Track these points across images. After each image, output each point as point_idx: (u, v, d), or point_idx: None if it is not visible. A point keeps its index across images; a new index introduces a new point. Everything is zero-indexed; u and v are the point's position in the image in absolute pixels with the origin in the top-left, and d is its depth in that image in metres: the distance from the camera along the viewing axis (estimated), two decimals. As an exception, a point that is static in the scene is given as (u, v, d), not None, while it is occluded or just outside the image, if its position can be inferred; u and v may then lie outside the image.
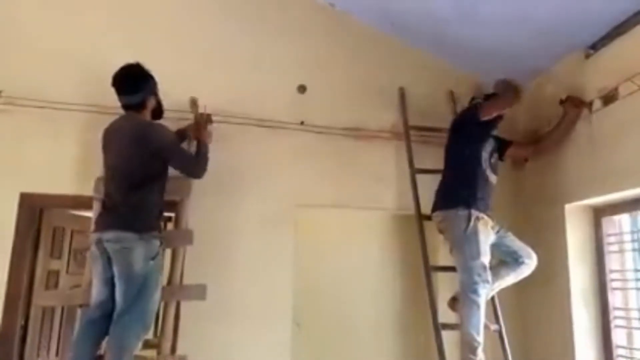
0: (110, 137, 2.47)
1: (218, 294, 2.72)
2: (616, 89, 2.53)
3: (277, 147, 3.10)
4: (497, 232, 2.70)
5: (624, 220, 2.82)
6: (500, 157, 2.95)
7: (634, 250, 2.74)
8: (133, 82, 2.43)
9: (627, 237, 2.79)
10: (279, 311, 2.93)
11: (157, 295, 2.36)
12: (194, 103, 2.87)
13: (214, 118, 2.86)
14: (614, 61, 2.60)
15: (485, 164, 2.72)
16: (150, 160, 2.39)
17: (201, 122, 2.75)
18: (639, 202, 2.61)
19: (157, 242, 2.36)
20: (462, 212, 2.59)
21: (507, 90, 2.72)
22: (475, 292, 2.50)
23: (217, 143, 2.75)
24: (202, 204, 2.85)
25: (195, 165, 2.57)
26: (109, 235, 2.30)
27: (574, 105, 2.75)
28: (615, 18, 2.54)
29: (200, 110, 2.84)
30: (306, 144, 3.12)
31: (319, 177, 3.13)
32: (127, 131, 2.41)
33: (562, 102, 2.80)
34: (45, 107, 2.77)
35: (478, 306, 2.49)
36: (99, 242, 2.33)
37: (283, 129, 3.09)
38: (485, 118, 2.71)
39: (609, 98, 2.59)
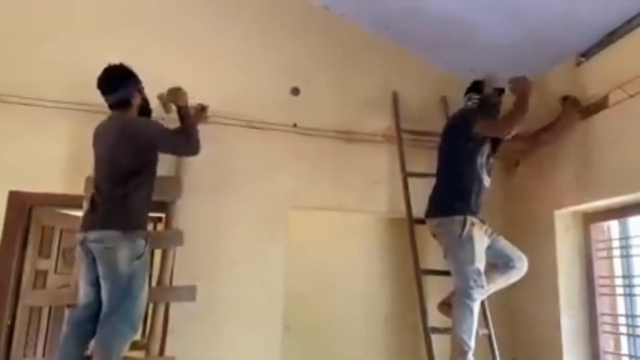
0: (98, 137, 2.47)
1: (208, 296, 2.72)
2: (607, 96, 2.55)
3: (270, 149, 3.09)
4: (490, 236, 2.70)
5: (612, 226, 2.85)
6: (494, 150, 2.86)
7: (622, 256, 2.77)
8: (114, 80, 2.43)
9: (616, 244, 2.82)
10: (269, 313, 2.92)
11: (144, 295, 2.34)
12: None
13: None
14: (605, 69, 2.63)
15: (481, 169, 2.69)
16: (136, 155, 2.36)
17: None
18: (627, 208, 2.64)
19: (142, 242, 2.33)
20: (457, 218, 2.59)
21: (519, 107, 2.61)
22: (469, 297, 2.49)
23: (210, 144, 2.74)
24: (194, 204, 2.84)
25: (188, 143, 2.55)
26: (92, 235, 2.29)
27: (575, 106, 2.74)
28: (606, 26, 2.57)
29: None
30: (299, 147, 3.12)
31: (311, 179, 3.13)
32: (113, 129, 2.41)
33: (564, 99, 2.78)
34: (35, 105, 2.75)
35: (472, 311, 2.49)
36: (83, 242, 2.32)
37: (276, 131, 3.08)
38: (481, 134, 2.66)
39: (599, 105, 2.61)
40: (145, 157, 2.41)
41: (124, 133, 2.39)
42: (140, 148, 2.38)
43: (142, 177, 2.39)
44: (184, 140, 2.54)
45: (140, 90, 2.54)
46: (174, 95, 2.64)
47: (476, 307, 2.51)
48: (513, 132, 2.62)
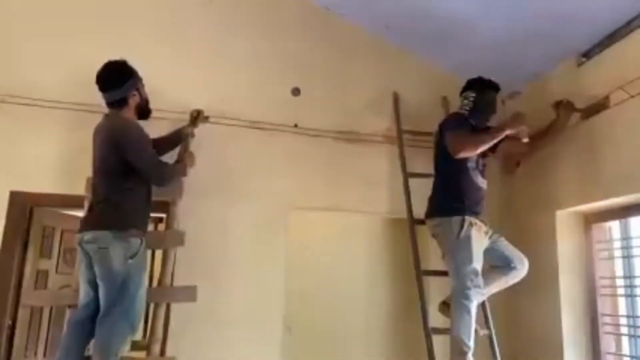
0: (95, 137, 2.45)
1: (209, 296, 2.72)
2: (608, 97, 2.55)
3: (271, 150, 3.09)
4: (491, 237, 2.70)
5: (613, 227, 2.84)
6: (493, 150, 2.79)
7: (623, 257, 2.76)
8: (113, 78, 2.39)
9: (617, 244, 2.81)
10: (270, 314, 2.92)
11: (142, 294, 2.33)
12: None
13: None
14: (606, 69, 2.62)
15: (472, 171, 2.68)
16: (121, 157, 2.32)
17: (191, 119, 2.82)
18: (628, 209, 2.63)
19: (137, 240, 2.31)
20: (455, 219, 2.59)
21: (484, 139, 2.59)
22: (466, 297, 2.50)
23: (210, 144, 2.75)
24: (195, 205, 2.84)
25: (156, 171, 2.41)
26: (87, 236, 2.29)
27: (568, 109, 2.73)
28: (607, 26, 2.56)
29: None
30: (299, 147, 3.12)
31: (312, 180, 3.13)
32: (105, 129, 2.40)
33: (557, 104, 2.77)
34: (36, 106, 2.76)
35: (469, 311, 2.49)
36: (80, 243, 2.32)
37: (276, 132, 3.09)
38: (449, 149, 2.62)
39: (600, 106, 2.60)
40: (129, 161, 2.35)
41: (112, 135, 2.36)
42: (119, 150, 2.33)
43: (136, 177, 2.37)
44: (155, 168, 2.42)
45: (140, 89, 2.50)
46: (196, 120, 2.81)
47: (473, 308, 2.51)
48: (460, 156, 2.58)
